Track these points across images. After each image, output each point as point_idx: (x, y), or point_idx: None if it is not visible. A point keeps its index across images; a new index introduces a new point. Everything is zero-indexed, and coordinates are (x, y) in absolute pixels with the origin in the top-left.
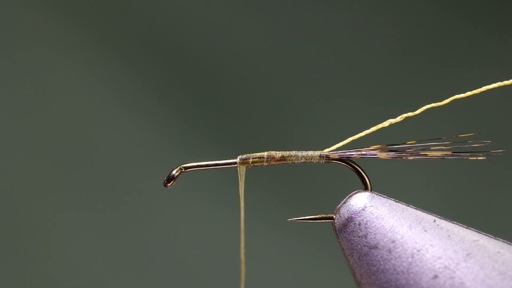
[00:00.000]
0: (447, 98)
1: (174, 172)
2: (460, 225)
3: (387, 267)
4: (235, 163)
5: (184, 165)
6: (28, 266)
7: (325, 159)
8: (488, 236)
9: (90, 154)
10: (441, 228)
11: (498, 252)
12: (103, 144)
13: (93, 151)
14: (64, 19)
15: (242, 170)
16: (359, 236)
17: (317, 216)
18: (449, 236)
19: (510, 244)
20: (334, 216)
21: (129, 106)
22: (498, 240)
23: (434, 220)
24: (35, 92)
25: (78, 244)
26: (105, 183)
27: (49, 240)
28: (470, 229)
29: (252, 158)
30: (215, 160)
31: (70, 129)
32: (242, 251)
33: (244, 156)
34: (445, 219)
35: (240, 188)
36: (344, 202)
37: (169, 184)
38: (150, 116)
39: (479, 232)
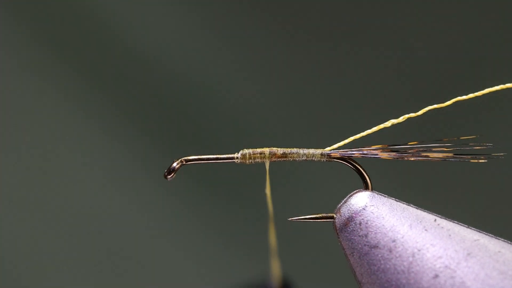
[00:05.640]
0: (449, 99)
1: (174, 164)
2: (460, 225)
3: (388, 266)
4: (236, 158)
5: (185, 158)
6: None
7: (326, 158)
8: (488, 235)
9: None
10: (442, 227)
11: (499, 251)
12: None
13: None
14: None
15: (267, 165)
16: (359, 236)
17: (317, 216)
18: (449, 235)
19: (510, 244)
20: (335, 216)
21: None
22: (499, 239)
23: (435, 220)
24: None
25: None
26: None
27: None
28: (470, 228)
29: (253, 154)
30: (216, 155)
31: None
32: (273, 242)
33: (245, 152)
34: (445, 219)
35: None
36: (345, 202)
37: (169, 176)
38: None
39: (479, 232)
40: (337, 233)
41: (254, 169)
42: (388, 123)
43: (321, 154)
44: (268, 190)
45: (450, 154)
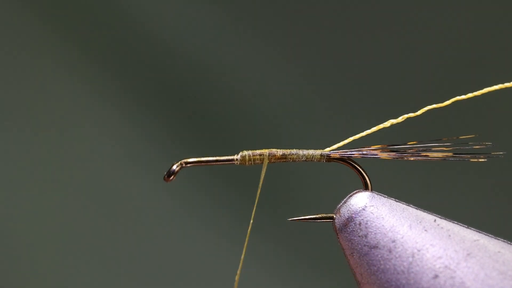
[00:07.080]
0: (448, 99)
1: (174, 167)
2: (460, 225)
3: (388, 266)
4: (236, 159)
5: (185, 160)
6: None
7: (326, 158)
8: (488, 236)
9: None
10: (442, 227)
11: (499, 252)
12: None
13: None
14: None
15: (264, 165)
16: (359, 236)
17: (317, 216)
18: (449, 235)
19: (510, 244)
20: (335, 216)
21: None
22: (499, 240)
23: (435, 220)
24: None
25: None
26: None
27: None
28: (470, 229)
29: (253, 155)
30: (215, 156)
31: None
32: (244, 249)
33: (244, 153)
34: (445, 219)
35: (260, 183)
36: (345, 202)
37: (169, 179)
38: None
39: (479, 232)
40: (337, 234)
41: (255, 170)
42: (387, 123)
43: (321, 155)
44: (256, 198)
45: (450, 154)
